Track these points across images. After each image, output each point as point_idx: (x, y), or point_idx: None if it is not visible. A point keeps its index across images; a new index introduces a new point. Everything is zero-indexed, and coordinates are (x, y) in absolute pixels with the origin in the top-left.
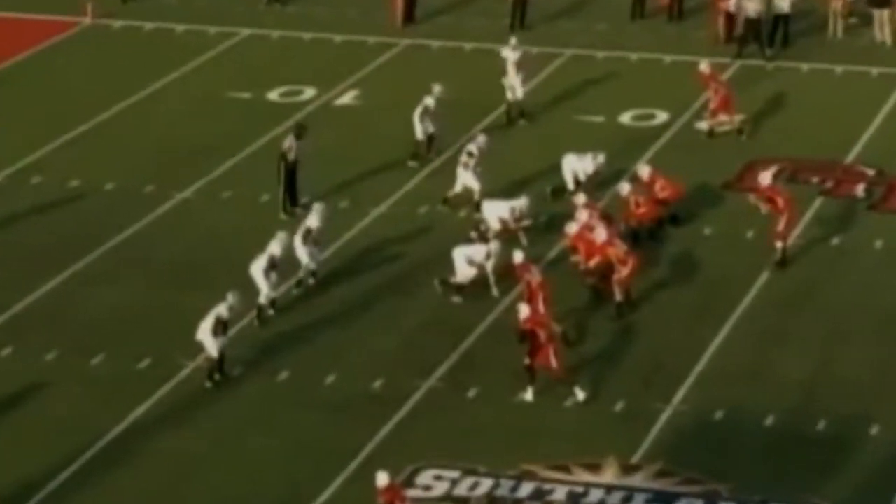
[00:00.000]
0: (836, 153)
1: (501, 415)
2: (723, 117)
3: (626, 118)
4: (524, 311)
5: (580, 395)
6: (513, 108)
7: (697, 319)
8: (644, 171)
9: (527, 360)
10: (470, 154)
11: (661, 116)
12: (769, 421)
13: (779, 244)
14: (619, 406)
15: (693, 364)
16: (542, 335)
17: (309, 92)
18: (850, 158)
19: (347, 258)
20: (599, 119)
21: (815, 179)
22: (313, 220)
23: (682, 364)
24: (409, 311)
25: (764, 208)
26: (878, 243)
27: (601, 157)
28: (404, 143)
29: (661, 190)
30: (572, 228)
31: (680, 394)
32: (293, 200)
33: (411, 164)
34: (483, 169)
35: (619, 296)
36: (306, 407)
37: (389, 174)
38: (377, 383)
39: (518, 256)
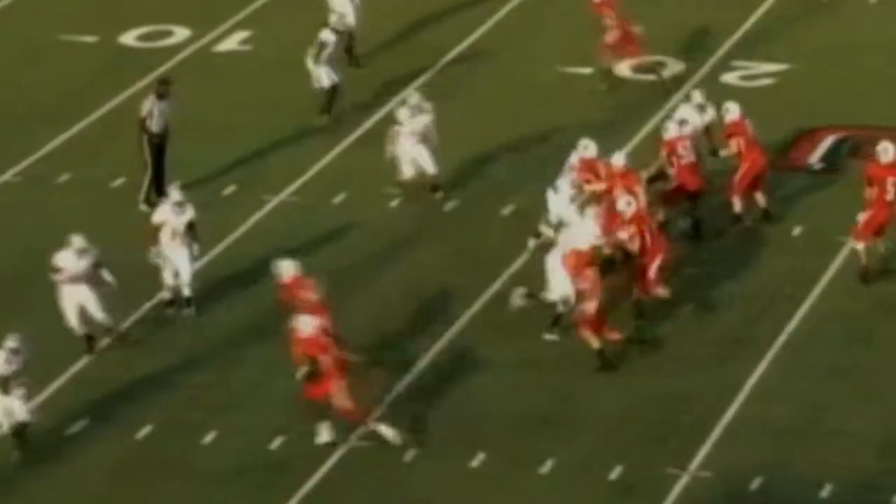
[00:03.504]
0: None
1: (450, 485)
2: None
3: (624, 68)
4: (307, 325)
5: (390, 433)
6: (342, 39)
7: (726, 350)
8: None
9: (309, 391)
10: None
11: (675, 66)
12: (825, 491)
13: (860, 245)
14: (615, 472)
15: (720, 413)
16: (327, 362)
17: (180, 33)
18: None
19: (234, 266)
20: (588, 70)
21: None
22: (190, 214)
23: (704, 413)
24: None
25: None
26: None
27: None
28: (312, 104)
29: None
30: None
31: (701, 454)
32: (159, 186)
33: (319, 122)
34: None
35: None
36: (178, 476)
37: (293, 147)
38: (276, 442)
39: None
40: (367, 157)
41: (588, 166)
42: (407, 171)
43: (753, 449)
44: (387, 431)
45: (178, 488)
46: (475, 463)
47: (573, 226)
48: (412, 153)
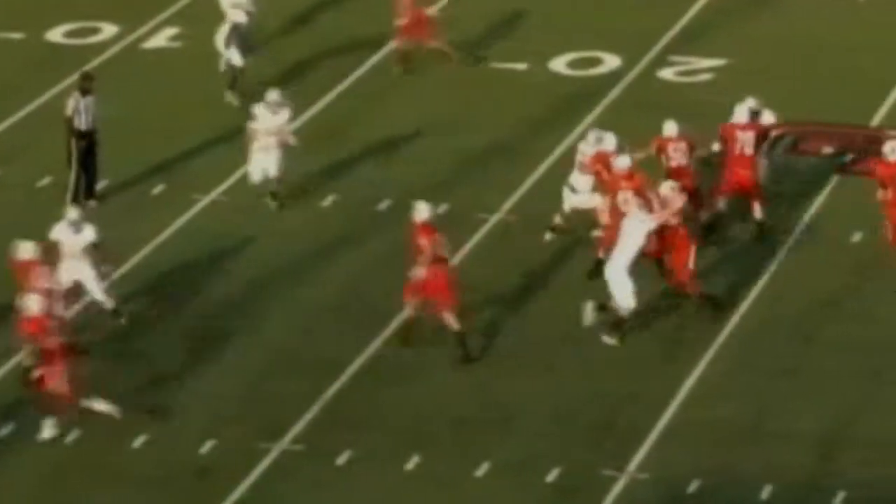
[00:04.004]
0: (857, 113)
1: (385, 488)
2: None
3: (559, 65)
4: (33, 304)
5: (107, 407)
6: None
7: (665, 349)
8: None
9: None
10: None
11: (611, 62)
12: (766, 493)
13: None
14: (552, 475)
15: (658, 413)
16: (48, 344)
17: (107, 30)
18: (876, 120)
19: (163, 268)
20: (522, 67)
21: (827, 150)
22: (90, 235)
23: (642, 414)
24: (253, 344)
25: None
26: None
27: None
28: (243, 101)
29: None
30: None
31: (639, 456)
32: (89, 187)
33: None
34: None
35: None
36: (107, 481)
37: (223, 146)
38: (207, 446)
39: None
40: (298, 156)
41: (602, 159)
42: (255, 175)
43: (692, 450)
44: (103, 406)
45: (107, 493)
46: (410, 465)
47: (627, 219)
48: (264, 156)
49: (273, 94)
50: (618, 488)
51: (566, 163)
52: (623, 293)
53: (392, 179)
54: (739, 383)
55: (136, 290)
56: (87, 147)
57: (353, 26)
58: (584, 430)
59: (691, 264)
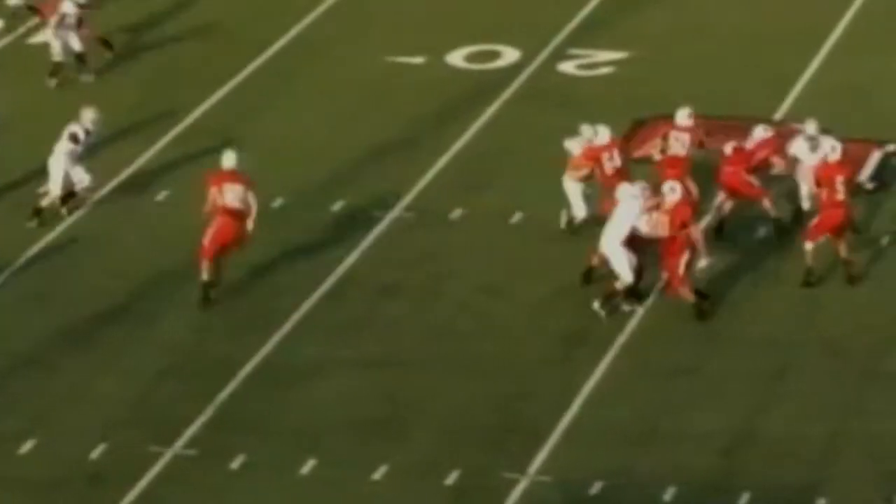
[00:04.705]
0: (759, 107)
1: (280, 493)
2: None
3: (456, 58)
4: None
5: None
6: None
7: (565, 349)
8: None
9: None
10: (73, 137)
11: (510, 55)
12: (668, 494)
13: (808, 245)
14: (451, 477)
15: (559, 414)
16: None
17: None
18: (779, 114)
19: (51, 270)
20: (419, 60)
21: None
22: None
23: (543, 415)
24: (144, 345)
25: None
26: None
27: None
28: (133, 98)
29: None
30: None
31: (540, 458)
32: None
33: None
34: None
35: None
36: None
37: (111, 144)
38: (97, 451)
39: None
40: (187, 154)
41: (593, 154)
42: (55, 189)
43: (594, 452)
44: None
45: None
46: (305, 470)
47: (620, 208)
48: (69, 169)
49: (89, 113)
50: (518, 491)
51: (463, 159)
52: (620, 265)
53: (286, 177)
54: (641, 383)
55: (24, 292)
56: None
57: (241, 26)
58: (484, 431)
59: (682, 270)
